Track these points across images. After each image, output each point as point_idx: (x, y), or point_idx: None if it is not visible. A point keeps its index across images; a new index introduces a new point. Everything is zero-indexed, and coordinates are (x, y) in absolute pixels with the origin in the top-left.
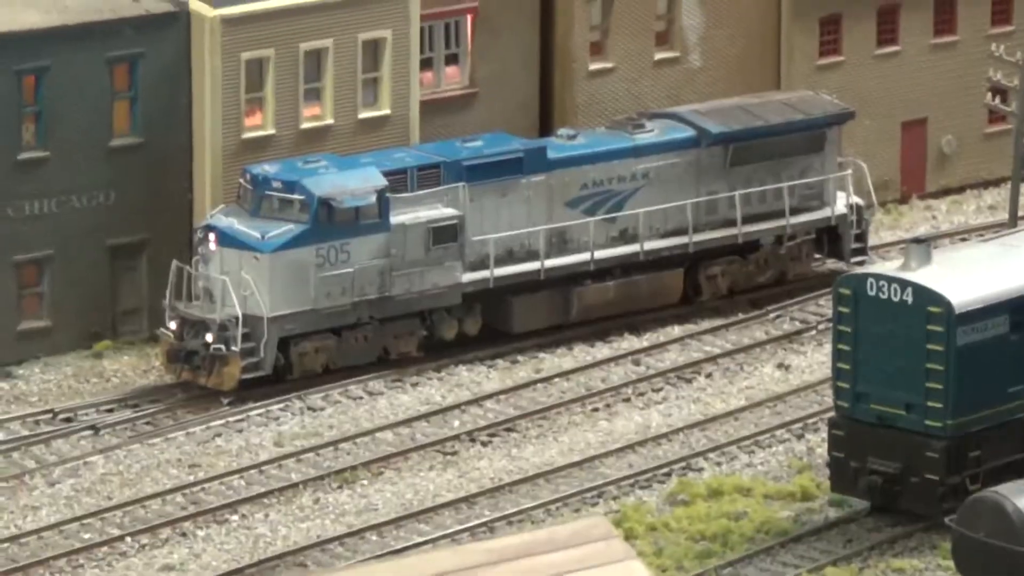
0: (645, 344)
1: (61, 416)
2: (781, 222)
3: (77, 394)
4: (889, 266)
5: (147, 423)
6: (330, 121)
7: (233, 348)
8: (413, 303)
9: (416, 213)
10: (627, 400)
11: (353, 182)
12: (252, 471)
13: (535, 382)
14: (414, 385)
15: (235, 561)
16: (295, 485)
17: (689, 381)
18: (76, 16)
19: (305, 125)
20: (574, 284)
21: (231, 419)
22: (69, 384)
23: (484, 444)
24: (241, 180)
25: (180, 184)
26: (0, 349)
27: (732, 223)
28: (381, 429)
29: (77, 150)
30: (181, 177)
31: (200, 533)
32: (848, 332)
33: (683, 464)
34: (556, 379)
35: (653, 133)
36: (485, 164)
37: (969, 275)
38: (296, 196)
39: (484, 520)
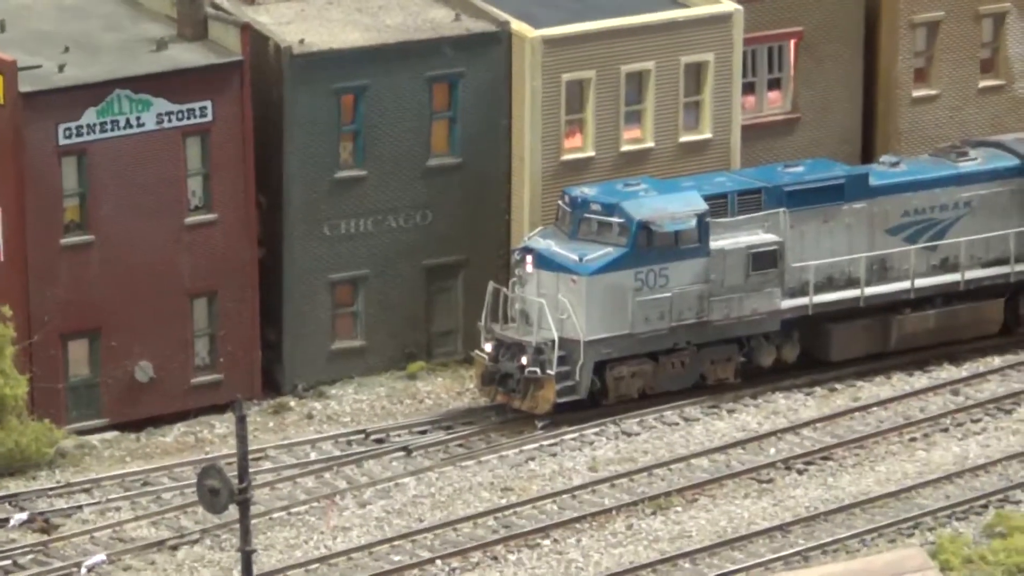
0: (964, 374)
1: (373, 437)
2: None
3: (390, 415)
4: None
5: (460, 445)
6: (650, 144)
7: (548, 371)
8: (731, 329)
9: (736, 238)
10: (945, 430)
11: (673, 206)
12: (565, 496)
13: (852, 410)
14: (730, 412)
15: None
16: (608, 510)
17: (1009, 412)
18: (396, 35)
19: (625, 148)
20: (894, 313)
21: (545, 443)
22: (382, 405)
23: (800, 472)
24: (560, 202)
25: (498, 205)
26: (314, 369)
27: None
28: (696, 455)
29: (394, 169)
30: (499, 198)
31: (511, 557)
32: None
33: (1001, 496)
34: (874, 408)
35: (977, 161)
36: (806, 190)
37: None
38: (616, 219)
39: (799, 549)
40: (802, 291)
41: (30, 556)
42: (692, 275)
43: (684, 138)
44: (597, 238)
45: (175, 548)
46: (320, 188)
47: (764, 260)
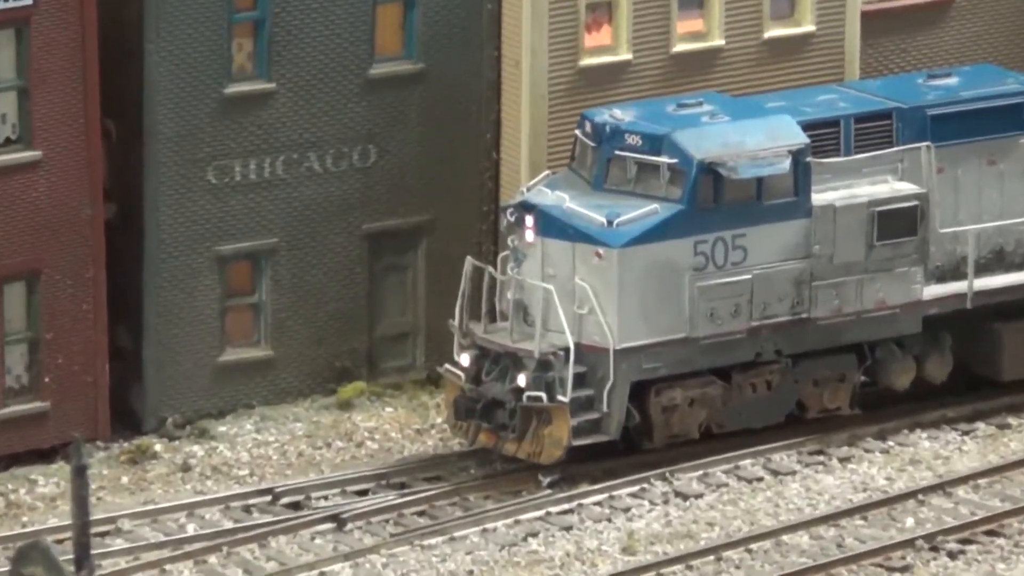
0: None
1: (286, 500)
2: None
3: (311, 465)
4: None
5: (420, 513)
6: (719, 42)
7: (560, 397)
8: (846, 331)
9: (853, 189)
10: None
11: (754, 139)
12: None
13: None
14: (844, 461)
15: None
16: None
17: None
18: None
19: (679, 47)
20: None
21: (554, 510)
22: (299, 450)
23: (953, 556)
24: (577, 132)
25: (480, 137)
26: (192, 393)
27: None
28: (791, 529)
29: (318, 81)
30: (482, 126)
31: None
32: None
33: None
34: None
35: None
36: (963, 113)
37: None
38: (665, 159)
39: None
40: (956, 272)
41: None
42: (784, 247)
43: (771, 32)
44: (636, 189)
45: None
46: (202, 110)
47: (897, 223)
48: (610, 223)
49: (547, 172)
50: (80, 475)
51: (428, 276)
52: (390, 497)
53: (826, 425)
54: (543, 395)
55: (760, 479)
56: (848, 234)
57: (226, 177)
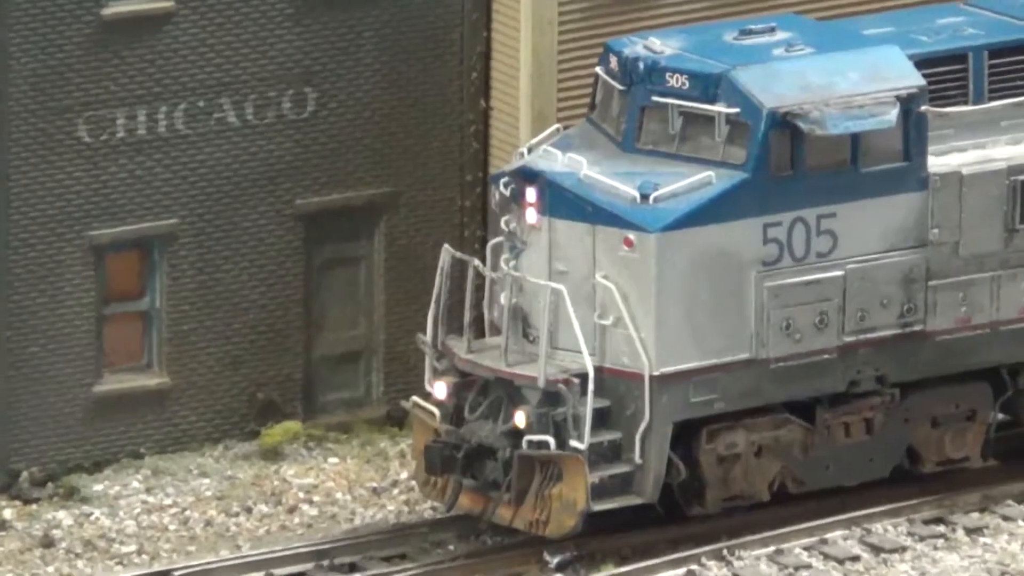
0: None
1: None
2: None
3: (222, 538)
4: None
5: None
6: None
7: (574, 444)
8: (976, 350)
9: (986, 150)
10: None
11: (847, 80)
12: None
13: None
14: (974, 532)
15: None
16: None
17: None
18: None
19: None
20: None
21: None
22: (206, 517)
23: None
24: (599, 71)
25: (462, 78)
26: (54, 436)
27: None
28: None
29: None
30: (465, 61)
31: None
32: None
33: None
34: None
35: None
36: None
37: None
38: (721, 107)
39: None
40: None
41: None
42: (890, 231)
43: None
44: (681, 150)
45: None
46: (71, 40)
47: None
48: (645, 198)
49: (556, 127)
50: None
51: (388, 272)
52: None
53: (949, 483)
54: (550, 440)
55: (856, 558)
56: (980, 213)
57: (104, 133)
